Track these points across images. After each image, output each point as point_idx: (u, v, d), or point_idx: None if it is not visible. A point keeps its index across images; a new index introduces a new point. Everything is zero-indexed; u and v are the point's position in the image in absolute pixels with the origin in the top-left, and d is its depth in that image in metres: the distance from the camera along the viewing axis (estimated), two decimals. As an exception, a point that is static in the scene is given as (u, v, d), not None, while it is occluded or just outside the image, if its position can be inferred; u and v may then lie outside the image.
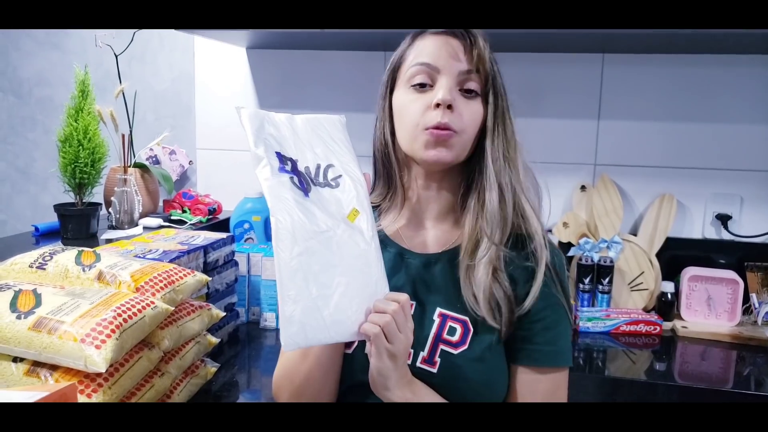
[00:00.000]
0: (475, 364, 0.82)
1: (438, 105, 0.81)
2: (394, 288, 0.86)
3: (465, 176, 0.89)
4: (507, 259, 0.84)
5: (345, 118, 0.85)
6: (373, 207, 0.92)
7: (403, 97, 0.86)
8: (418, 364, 0.82)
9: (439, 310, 0.85)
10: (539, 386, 0.84)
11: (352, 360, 0.85)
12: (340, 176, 0.78)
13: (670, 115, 1.65)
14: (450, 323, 0.84)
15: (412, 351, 0.82)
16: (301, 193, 0.73)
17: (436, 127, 0.81)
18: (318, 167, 0.77)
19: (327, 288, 0.71)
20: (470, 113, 0.84)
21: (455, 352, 0.82)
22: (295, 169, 0.75)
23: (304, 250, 0.70)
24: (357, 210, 0.76)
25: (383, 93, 0.91)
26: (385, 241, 0.90)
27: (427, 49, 0.84)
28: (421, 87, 0.84)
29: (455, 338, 0.83)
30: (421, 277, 0.87)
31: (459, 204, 0.90)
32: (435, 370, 0.82)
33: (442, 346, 0.83)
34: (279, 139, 0.76)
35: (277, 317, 1.44)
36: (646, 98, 1.66)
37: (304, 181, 0.74)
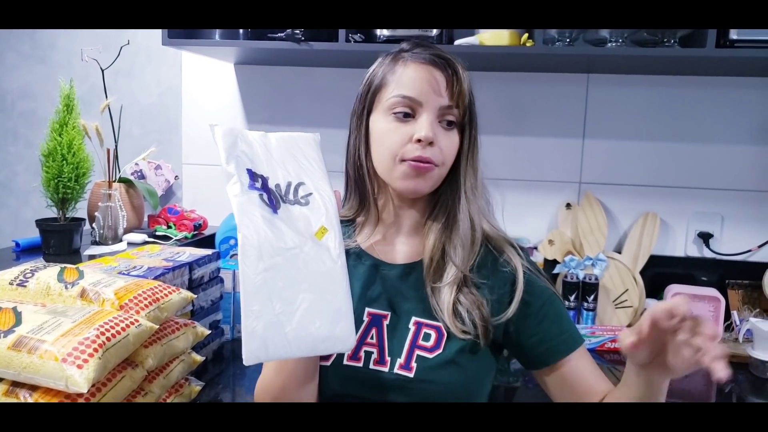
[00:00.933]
0: (450, 366, 0.84)
1: (419, 140, 0.82)
2: (369, 299, 0.89)
3: (437, 197, 0.91)
4: (480, 277, 0.87)
5: (319, 136, 0.85)
6: (347, 221, 0.94)
7: (382, 123, 0.86)
8: (395, 370, 0.84)
9: (414, 318, 0.87)
10: (583, 370, 0.87)
11: (327, 372, 0.87)
12: (310, 194, 0.79)
13: (654, 135, 1.68)
14: (425, 330, 0.86)
15: (389, 359, 0.85)
16: (269, 210, 0.74)
17: (417, 159, 0.83)
18: (289, 185, 0.78)
19: (291, 304, 0.72)
20: (449, 144, 0.86)
21: (430, 356, 0.84)
22: (265, 186, 0.76)
23: (269, 266, 0.71)
24: (325, 228, 0.77)
25: (359, 112, 0.90)
26: (360, 254, 0.92)
27: (410, 80, 0.84)
28: (404, 116, 0.84)
29: (430, 343, 0.85)
30: (395, 287, 0.90)
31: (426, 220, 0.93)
32: (411, 375, 0.84)
33: (418, 352, 0.85)
34: (251, 156, 0.77)
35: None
36: (629, 118, 1.68)
37: (273, 198, 0.75)
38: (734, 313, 1.55)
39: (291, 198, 0.77)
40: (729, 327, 1.54)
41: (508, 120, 1.73)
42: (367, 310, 0.89)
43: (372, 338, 0.87)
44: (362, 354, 0.86)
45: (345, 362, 0.86)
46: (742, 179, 1.65)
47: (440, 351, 0.84)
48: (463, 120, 0.87)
